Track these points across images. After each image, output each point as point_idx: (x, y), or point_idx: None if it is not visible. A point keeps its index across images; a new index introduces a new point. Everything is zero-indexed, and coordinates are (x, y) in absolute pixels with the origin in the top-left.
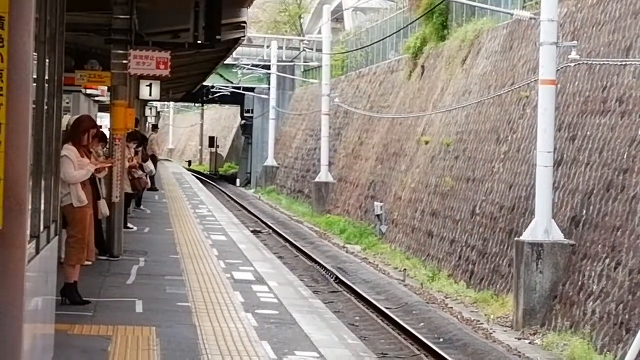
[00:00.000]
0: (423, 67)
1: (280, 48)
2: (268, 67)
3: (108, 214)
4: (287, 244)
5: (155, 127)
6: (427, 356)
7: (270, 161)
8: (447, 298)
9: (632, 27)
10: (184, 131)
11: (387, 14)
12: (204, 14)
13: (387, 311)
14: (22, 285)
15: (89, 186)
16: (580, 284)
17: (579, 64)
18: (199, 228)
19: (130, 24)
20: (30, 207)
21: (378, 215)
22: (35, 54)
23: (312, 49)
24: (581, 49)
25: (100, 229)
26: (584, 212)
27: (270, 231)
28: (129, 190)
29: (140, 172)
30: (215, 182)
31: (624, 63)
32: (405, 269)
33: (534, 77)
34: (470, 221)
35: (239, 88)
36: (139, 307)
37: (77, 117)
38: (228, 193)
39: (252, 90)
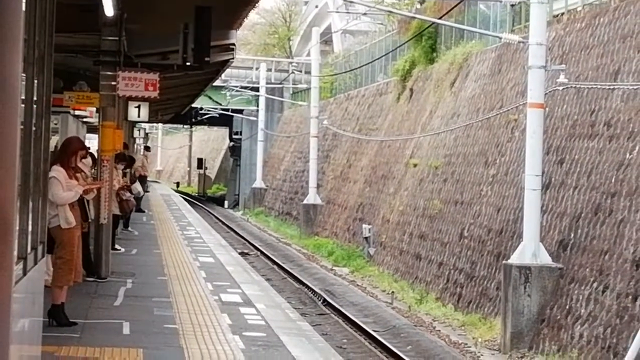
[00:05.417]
0: (411, 89)
1: (269, 70)
2: (256, 89)
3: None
4: (275, 266)
5: (147, 148)
6: None
7: (259, 183)
8: (434, 321)
9: (620, 51)
10: (172, 152)
11: (375, 36)
12: (192, 36)
13: (374, 334)
14: (9, 306)
15: (77, 207)
16: (567, 307)
17: (567, 87)
18: (187, 250)
19: (118, 45)
20: (17, 228)
21: (366, 238)
22: (24, 75)
23: (300, 71)
24: (569, 73)
25: (87, 250)
26: (572, 235)
27: (258, 253)
28: (116, 211)
29: (128, 194)
30: (203, 203)
31: (612, 87)
32: (393, 292)
33: (522, 100)
34: (458, 244)
35: (227, 110)
36: (126, 329)
37: (66, 138)
38: (216, 215)
39: (240, 112)
